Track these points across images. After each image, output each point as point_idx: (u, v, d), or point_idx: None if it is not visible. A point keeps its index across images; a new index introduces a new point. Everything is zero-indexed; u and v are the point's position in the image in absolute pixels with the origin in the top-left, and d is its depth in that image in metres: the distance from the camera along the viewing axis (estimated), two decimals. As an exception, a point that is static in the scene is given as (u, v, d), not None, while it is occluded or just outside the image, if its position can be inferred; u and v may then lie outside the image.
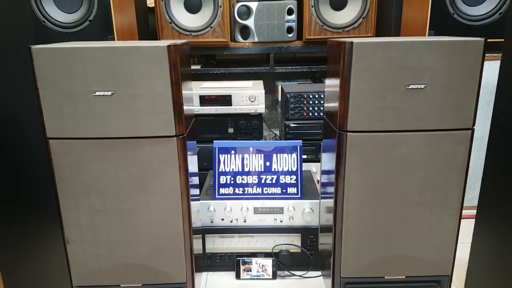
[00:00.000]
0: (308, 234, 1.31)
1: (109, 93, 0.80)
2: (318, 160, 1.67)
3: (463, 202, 0.88)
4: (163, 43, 0.80)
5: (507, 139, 0.94)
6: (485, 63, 0.88)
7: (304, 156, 1.67)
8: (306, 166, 1.63)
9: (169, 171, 0.84)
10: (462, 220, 0.93)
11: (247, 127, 1.61)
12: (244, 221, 1.31)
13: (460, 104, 0.84)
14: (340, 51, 0.83)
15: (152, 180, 0.84)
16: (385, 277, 0.91)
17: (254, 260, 1.31)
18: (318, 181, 1.43)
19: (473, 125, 0.86)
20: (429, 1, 1.48)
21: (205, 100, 1.57)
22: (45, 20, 1.43)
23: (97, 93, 0.80)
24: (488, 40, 0.86)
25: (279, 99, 1.90)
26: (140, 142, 0.83)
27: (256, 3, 1.81)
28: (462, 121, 0.85)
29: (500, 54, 0.94)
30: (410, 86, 0.83)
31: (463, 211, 0.92)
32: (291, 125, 1.64)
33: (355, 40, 0.81)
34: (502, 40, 0.93)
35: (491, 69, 1.44)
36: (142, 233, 0.88)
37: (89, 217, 0.87)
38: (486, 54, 0.85)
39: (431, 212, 0.87)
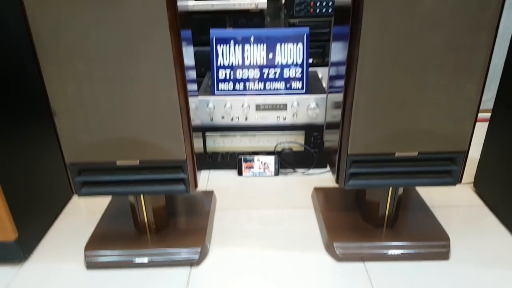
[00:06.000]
0: (312, 131, 1.24)
1: None
2: (324, 64, 1.56)
3: (489, 68, 0.79)
4: None
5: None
6: None
7: (310, 60, 1.57)
8: (311, 71, 1.53)
9: (158, 31, 0.74)
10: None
11: (247, 25, 1.48)
12: (246, 119, 1.23)
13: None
14: None
15: (139, 41, 0.75)
16: (396, 154, 0.85)
17: (256, 157, 1.25)
18: (325, 88, 1.33)
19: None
20: None
21: (201, -7, 1.43)
22: None
23: None
24: None
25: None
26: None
27: None
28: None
29: None
30: None
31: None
32: (296, 23, 1.51)
33: None
34: None
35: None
36: (133, 104, 0.79)
37: (74, 85, 0.78)
38: None
39: (453, 78, 0.78)
